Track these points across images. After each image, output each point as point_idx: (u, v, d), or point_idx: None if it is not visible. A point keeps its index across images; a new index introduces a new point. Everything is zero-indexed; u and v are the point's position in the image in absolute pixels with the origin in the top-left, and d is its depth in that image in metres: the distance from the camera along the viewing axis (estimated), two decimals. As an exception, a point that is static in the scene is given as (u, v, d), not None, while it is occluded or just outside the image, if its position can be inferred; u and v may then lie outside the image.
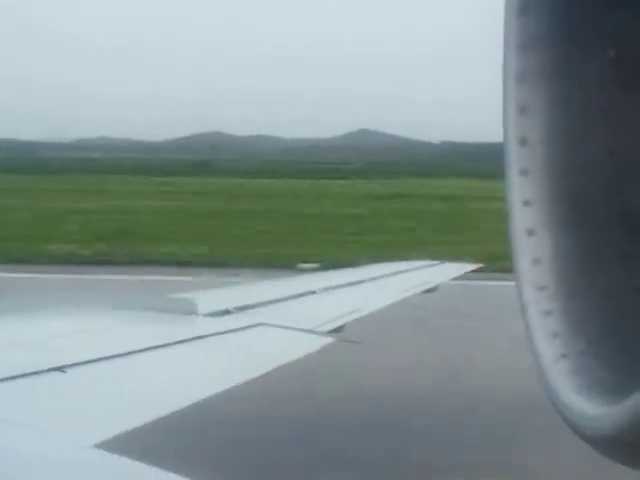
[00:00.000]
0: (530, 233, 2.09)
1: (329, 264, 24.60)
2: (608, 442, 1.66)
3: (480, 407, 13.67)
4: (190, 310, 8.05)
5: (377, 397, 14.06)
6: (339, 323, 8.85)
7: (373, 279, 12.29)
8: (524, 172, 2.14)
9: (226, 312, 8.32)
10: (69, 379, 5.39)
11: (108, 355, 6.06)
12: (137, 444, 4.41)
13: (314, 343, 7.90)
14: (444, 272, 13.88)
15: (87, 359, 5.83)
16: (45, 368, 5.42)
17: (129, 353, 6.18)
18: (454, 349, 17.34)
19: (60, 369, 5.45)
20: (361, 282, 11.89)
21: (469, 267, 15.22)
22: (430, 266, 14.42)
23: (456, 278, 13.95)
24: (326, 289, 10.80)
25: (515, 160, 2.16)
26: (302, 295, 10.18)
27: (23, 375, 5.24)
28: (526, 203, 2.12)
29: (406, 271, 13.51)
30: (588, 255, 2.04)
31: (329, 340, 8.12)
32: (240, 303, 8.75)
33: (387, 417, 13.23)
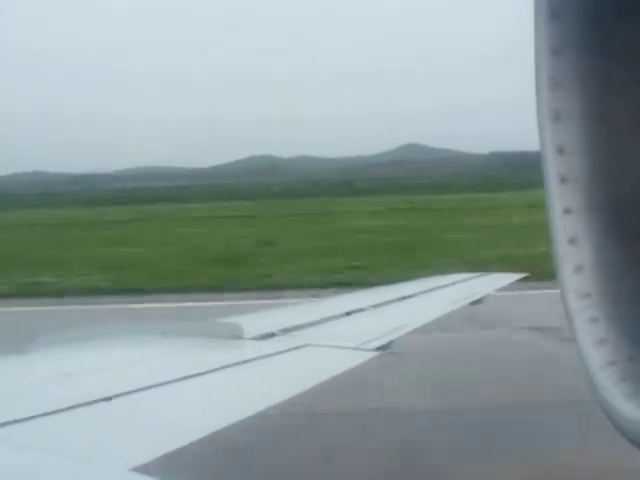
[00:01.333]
0: (571, 241, 2.08)
1: None
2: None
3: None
4: (236, 334, 8.08)
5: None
6: (386, 340, 8.81)
7: (420, 293, 12.26)
8: (563, 180, 2.13)
9: (271, 335, 8.33)
10: (115, 408, 5.43)
11: (154, 383, 6.09)
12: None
13: (359, 359, 7.88)
14: (490, 283, 13.81)
15: (133, 388, 5.87)
16: (93, 399, 5.47)
17: (172, 381, 6.21)
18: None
19: (107, 399, 5.50)
20: (408, 297, 11.86)
21: (515, 277, 15.11)
22: (476, 277, 14.36)
23: (503, 288, 13.87)
24: (373, 306, 10.78)
25: (553, 168, 2.15)
26: (349, 314, 10.17)
27: (70, 407, 5.28)
28: (567, 211, 2.11)
29: (453, 284, 13.46)
30: (631, 261, 2.02)
31: (373, 354, 8.10)
32: (286, 325, 8.76)
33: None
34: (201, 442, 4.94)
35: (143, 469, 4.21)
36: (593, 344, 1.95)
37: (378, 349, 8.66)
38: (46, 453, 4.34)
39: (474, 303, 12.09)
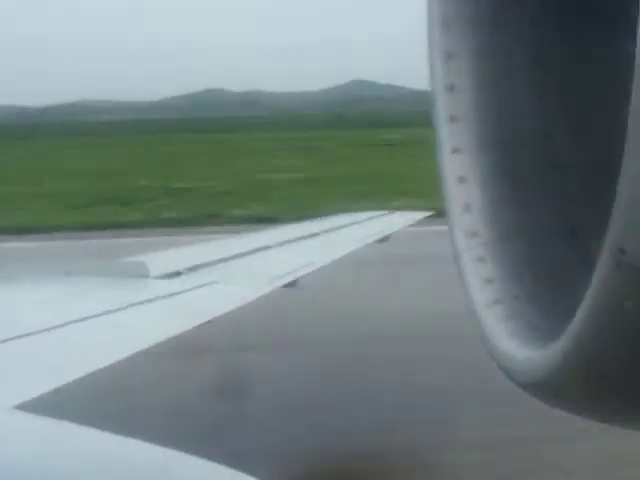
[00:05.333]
0: (460, 180, 2.08)
1: None
2: (538, 385, 1.67)
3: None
4: (141, 273, 8.01)
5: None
6: (292, 277, 8.85)
7: (326, 231, 12.30)
8: (452, 119, 2.13)
9: (177, 273, 8.28)
10: (9, 347, 5.37)
11: (52, 323, 6.03)
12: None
13: (264, 296, 7.91)
14: (396, 221, 13.92)
15: (39, 327, 5.80)
16: None
17: (70, 322, 6.16)
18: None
19: (11, 338, 5.43)
20: (315, 235, 11.89)
21: (420, 215, 15.26)
22: (382, 216, 14.45)
23: (407, 226, 14.00)
24: (280, 244, 10.79)
25: (443, 107, 2.14)
26: (256, 251, 10.16)
27: None
28: (455, 150, 2.11)
29: (358, 222, 13.54)
30: (519, 200, 2.03)
31: (279, 291, 8.14)
32: (192, 263, 8.71)
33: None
34: (90, 379, 4.95)
35: (27, 406, 4.19)
36: (480, 283, 1.96)
37: (285, 286, 8.69)
38: None
39: (380, 241, 12.20)
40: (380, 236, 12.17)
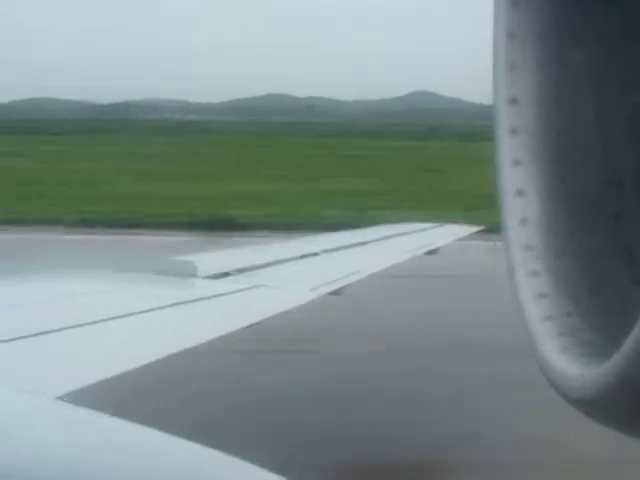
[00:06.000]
0: (519, 193, 2.06)
1: None
2: (589, 403, 1.65)
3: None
4: (190, 272, 8.06)
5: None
6: (338, 285, 8.85)
7: (375, 241, 12.30)
8: (514, 132, 2.12)
9: (226, 274, 8.33)
10: (57, 340, 5.44)
11: (98, 318, 6.09)
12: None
13: (310, 302, 7.92)
14: (446, 234, 13.88)
15: (85, 321, 5.87)
16: (43, 330, 5.47)
17: (124, 315, 6.22)
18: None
19: (58, 330, 5.50)
20: (363, 244, 11.89)
21: (472, 229, 15.20)
22: (432, 228, 14.42)
23: (458, 240, 13.95)
24: (328, 251, 10.81)
25: (505, 119, 2.13)
26: (304, 257, 10.18)
27: (18, 337, 5.28)
28: (516, 163, 2.10)
29: (408, 233, 13.51)
30: (576, 215, 2.02)
31: (324, 298, 8.16)
32: (241, 265, 8.76)
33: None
34: (138, 373, 5.00)
35: (71, 397, 4.26)
36: (533, 297, 1.95)
37: (331, 294, 8.70)
38: None
39: (429, 253, 12.16)
40: (429, 248, 12.13)
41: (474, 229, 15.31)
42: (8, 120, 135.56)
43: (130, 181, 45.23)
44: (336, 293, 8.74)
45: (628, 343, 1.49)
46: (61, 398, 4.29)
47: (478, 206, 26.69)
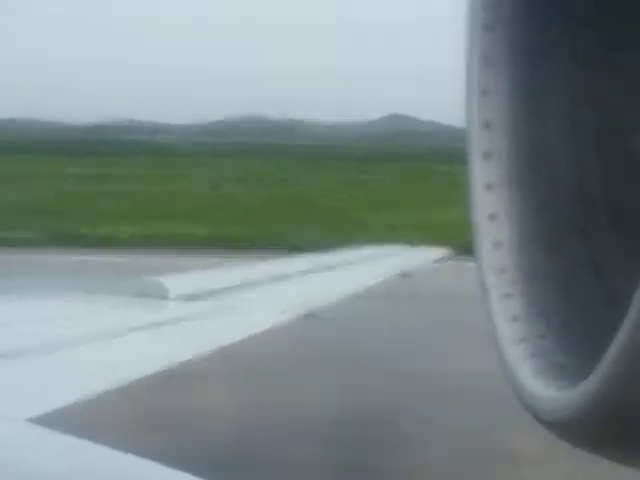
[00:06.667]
0: (491, 217, 2.08)
1: None
2: (563, 425, 1.65)
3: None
4: (161, 294, 8.02)
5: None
6: (309, 308, 8.84)
7: (348, 264, 12.30)
8: (487, 155, 2.13)
9: (196, 296, 8.29)
10: (24, 363, 5.40)
11: (75, 339, 6.05)
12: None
13: (281, 324, 7.90)
14: (418, 257, 13.90)
15: (54, 343, 5.83)
16: (10, 352, 5.42)
17: (92, 338, 6.18)
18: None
19: (26, 353, 5.45)
20: (336, 267, 11.89)
21: (443, 252, 15.24)
22: (406, 250, 14.44)
23: (430, 262, 13.99)
24: (301, 273, 10.80)
25: (477, 143, 2.15)
26: (275, 279, 10.17)
27: None
28: (488, 187, 2.11)
29: (381, 256, 13.53)
30: (549, 238, 2.03)
31: (296, 321, 8.14)
32: (212, 287, 8.72)
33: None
34: (105, 395, 4.97)
35: (40, 420, 4.22)
36: (506, 320, 1.96)
37: (304, 316, 8.68)
38: None
39: (403, 275, 12.18)
40: (402, 270, 12.16)
41: (446, 251, 15.35)
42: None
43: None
44: (308, 316, 8.72)
45: (602, 365, 1.50)
46: (31, 420, 4.26)
47: None
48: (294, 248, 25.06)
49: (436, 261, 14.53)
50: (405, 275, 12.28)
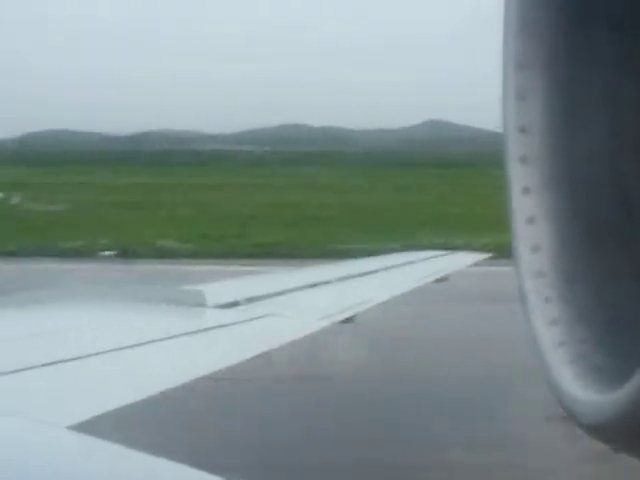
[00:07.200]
0: (529, 221, 2.08)
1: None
2: (604, 429, 1.65)
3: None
4: (199, 302, 8.05)
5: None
6: (350, 313, 8.84)
7: (385, 269, 12.29)
8: (523, 160, 2.13)
9: (235, 303, 8.31)
10: (68, 370, 5.44)
11: (110, 347, 6.09)
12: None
13: (321, 331, 7.91)
14: (455, 261, 13.87)
15: (94, 351, 5.88)
16: (52, 360, 5.47)
17: (132, 346, 6.22)
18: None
19: (66, 361, 5.50)
20: (374, 272, 11.88)
21: (480, 256, 15.20)
22: (441, 256, 14.41)
23: (468, 266, 13.95)
24: (338, 279, 10.79)
25: (514, 147, 2.15)
26: (314, 286, 10.17)
27: (25, 368, 5.29)
28: (526, 191, 2.11)
29: (418, 261, 13.50)
30: (587, 241, 2.03)
31: (336, 327, 8.15)
32: (250, 294, 8.74)
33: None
34: (147, 403, 5.01)
35: (80, 427, 4.26)
36: (545, 324, 1.95)
37: (342, 322, 8.68)
38: None
39: (439, 280, 12.14)
40: (440, 275, 12.13)
41: (483, 256, 15.31)
42: (27, 152, 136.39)
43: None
44: (346, 322, 8.72)
45: (642, 369, 1.50)
46: (72, 428, 4.29)
47: None
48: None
49: (475, 265, 14.49)
50: (442, 279, 12.25)
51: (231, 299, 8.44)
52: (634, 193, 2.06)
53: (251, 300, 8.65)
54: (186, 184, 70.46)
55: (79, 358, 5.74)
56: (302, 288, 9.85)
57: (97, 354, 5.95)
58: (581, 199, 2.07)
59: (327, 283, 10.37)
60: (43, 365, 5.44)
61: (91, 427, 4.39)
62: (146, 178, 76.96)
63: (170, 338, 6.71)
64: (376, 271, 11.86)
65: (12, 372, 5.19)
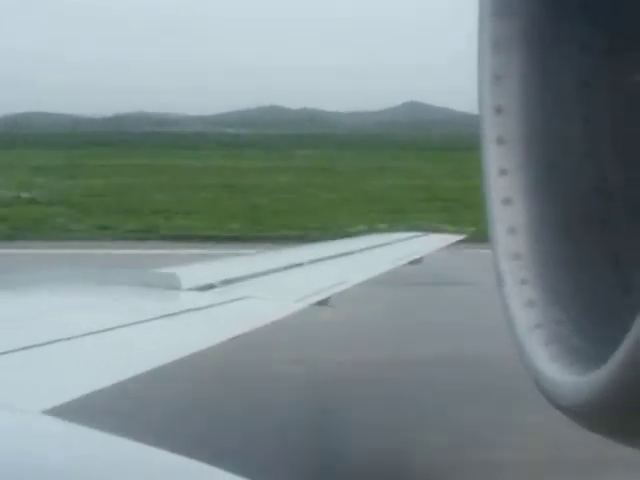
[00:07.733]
0: (506, 202, 2.08)
1: None
2: (581, 410, 1.66)
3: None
4: (173, 285, 8.01)
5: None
6: (325, 295, 8.83)
7: (359, 251, 12.29)
8: (500, 141, 2.13)
9: (210, 286, 8.28)
10: (39, 354, 5.41)
11: (81, 331, 6.05)
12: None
13: (296, 312, 7.90)
14: (429, 243, 13.89)
15: (67, 335, 5.83)
16: (19, 346, 5.43)
17: (104, 330, 6.18)
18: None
19: (39, 345, 5.46)
20: (347, 254, 11.88)
21: (454, 238, 15.22)
22: (416, 237, 14.43)
23: (441, 249, 13.96)
24: (312, 261, 10.79)
25: (491, 128, 2.14)
26: (288, 268, 10.16)
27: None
28: (502, 172, 2.11)
29: (392, 243, 13.52)
30: (563, 223, 2.03)
31: (310, 308, 8.14)
32: (225, 277, 8.71)
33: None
34: (118, 387, 4.99)
35: (55, 412, 4.23)
36: (521, 306, 1.96)
37: (316, 304, 8.68)
38: None
39: (413, 262, 12.16)
40: (414, 257, 12.14)
41: (457, 237, 15.33)
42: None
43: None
44: (322, 303, 8.72)
45: (618, 352, 1.50)
46: (47, 412, 4.26)
47: None
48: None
49: (449, 247, 14.52)
50: (415, 261, 12.26)
51: (206, 281, 8.41)
52: (610, 176, 2.06)
53: (227, 282, 8.62)
54: (215, 166, 67.44)
55: (50, 343, 5.70)
56: (278, 270, 9.84)
57: (69, 339, 5.90)
58: (557, 181, 2.07)
59: (303, 265, 10.36)
60: (14, 350, 5.40)
61: (66, 412, 4.37)
62: (147, 160, 74.45)
63: (144, 322, 6.67)
64: (350, 253, 11.87)
65: None
